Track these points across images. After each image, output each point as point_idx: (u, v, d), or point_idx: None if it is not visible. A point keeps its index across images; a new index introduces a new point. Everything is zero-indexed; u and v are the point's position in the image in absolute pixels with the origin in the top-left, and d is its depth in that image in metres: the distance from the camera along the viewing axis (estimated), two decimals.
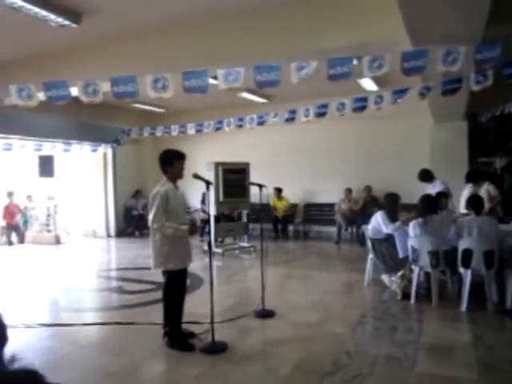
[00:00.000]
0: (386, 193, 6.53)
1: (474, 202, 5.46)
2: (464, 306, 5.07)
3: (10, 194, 11.72)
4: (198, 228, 10.05)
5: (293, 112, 7.99)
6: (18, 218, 11.92)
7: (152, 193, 4.12)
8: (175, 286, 4.21)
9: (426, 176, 7.38)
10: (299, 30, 5.32)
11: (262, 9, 5.43)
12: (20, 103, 4.99)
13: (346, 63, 4.39)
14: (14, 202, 11.76)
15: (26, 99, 4.97)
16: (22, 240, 11.83)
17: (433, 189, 7.06)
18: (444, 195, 6.54)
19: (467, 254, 5.10)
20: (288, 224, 11.36)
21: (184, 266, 4.25)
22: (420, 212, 5.66)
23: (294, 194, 11.43)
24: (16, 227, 11.83)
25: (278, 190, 11.21)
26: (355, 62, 4.55)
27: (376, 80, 8.62)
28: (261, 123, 8.57)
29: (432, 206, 5.72)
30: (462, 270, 5.20)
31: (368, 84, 8.89)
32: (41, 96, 5.03)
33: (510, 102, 7.38)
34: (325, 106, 7.52)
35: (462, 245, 5.17)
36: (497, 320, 4.84)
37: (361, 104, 6.94)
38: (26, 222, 12.18)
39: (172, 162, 4.18)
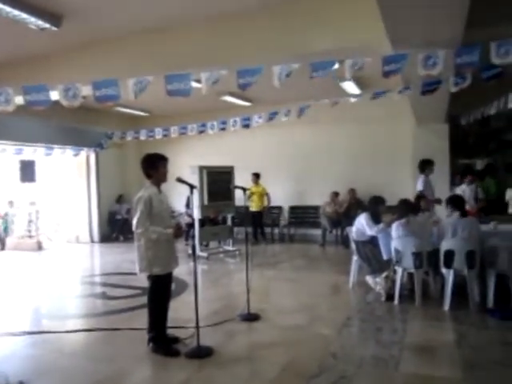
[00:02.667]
0: (372, 196, 6.59)
1: (456, 203, 5.54)
2: (447, 306, 5.14)
3: None
4: (183, 231, 9.98)
5: (275, 113, 8.03)
6: None
7: (135, 197, 4.08)
8: (160, 290, 4.17)
9: (420, 165, 7.24)
10: (282, 34, 5.34)
11: (245, 13, 5.45)
12: (5, 110, 4.90)
13: (328, 66, 4.44)
14: None
15: (4, 104, 4.88)
16: (2, 247, 11.62)
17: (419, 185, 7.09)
18: (423, 198, 6.60)
19: (449, 254, 5.17)
20: (264, 224, 11.12)
21: (169, 270, 4.21)
22: (400, 214, 5.74)
23: (278, 197, 11.44)
24: None
25: (256, 176, 10.85)
26: (337, 65, 4.60)
27: (358, 83, 8.71)
28: (245, 126, 8.57)
29: (411, 207, 5.81)
30: (444, 270, 5.27)
31: (350, 87, 8.97)
32: (19, 100, 4.94)
33: (490, 104, 7.53)
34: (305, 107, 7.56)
35: (445, 246, 5.24)
36: (479, 319, 4.90)
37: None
38: (6, 228, 11.97)
39: (156, 166, 4.14)
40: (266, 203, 10.97)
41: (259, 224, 11.01)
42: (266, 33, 5.42)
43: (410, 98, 7.55)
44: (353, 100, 7.02)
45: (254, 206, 10.73)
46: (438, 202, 7.03)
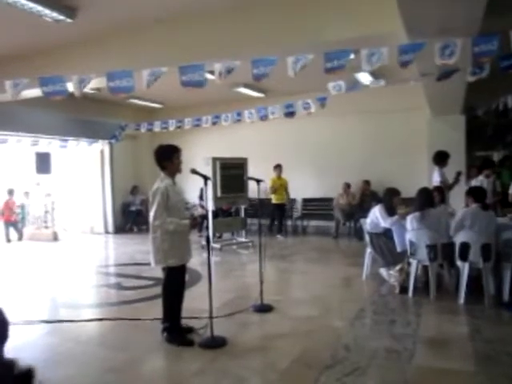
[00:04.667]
0: (386, 187, 6.53)
1: (477, 194, 5.44)
2: (462, 299, 5.09)
3: (10, 192, 11.69)
4: (198, 223, 10.01)
5: (291, 106, 7.94)
6: (17, 215, 11.90)
7: (152, 189, 4.07)
8: (175, 281, 4.20)
9: (436, 158, 7.15)
10: (296, 24, 5.29)
11: (259, 3, 5.41)
12: (13, 98, 4.96)
13: (343, 57, 4.38)
14: (13, 199, 11.73)
15: (15, 94, 4.94)
16: (20, 237, 11.82)
17: (435, 177, 7.04)
18: (439, 189, 6.52)
19: (465, 247, 5.11)
20: (285, 218, 11.05)
21: (184, 261, 4.23)
22: (417, 205, 5.67)
23: (291, 189, 11.41)
24: (14, 224, 11.81)
25: (280, 167, 10.57)
26: (352, 55, 4.54)
27: (373, 74, 8.60)
28: (260, 118, 8.48)
29: (429, 199, 5.72)
30: (459, 263, 5.21)
31: (365, 78, 8.86)
32: (37, 92, 4.99)
33: (508, 95, 7.38)
34: (324, 98, 7.47)
35: (460, 238, 5.18)
36: (494, 313, 4.85)
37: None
38: (23, 219, 12.17)
39: (171, 157, 4.14)
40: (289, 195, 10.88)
41: (282, 216, 10.81)
42: (280, 23, 5.37)
43: (426, 89, 7.44)
44: (367, 83, 6.87)
45: (278, 199, 10.53)
46: (458, 176, 7.04)
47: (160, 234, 4.06)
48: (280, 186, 10.60)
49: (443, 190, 6.63)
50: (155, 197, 3.99)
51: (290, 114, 7.96)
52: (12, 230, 11.76)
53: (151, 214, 4.02)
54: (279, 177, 10.68)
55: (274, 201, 10.62)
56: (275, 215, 10.77)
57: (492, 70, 5.11)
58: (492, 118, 9.85)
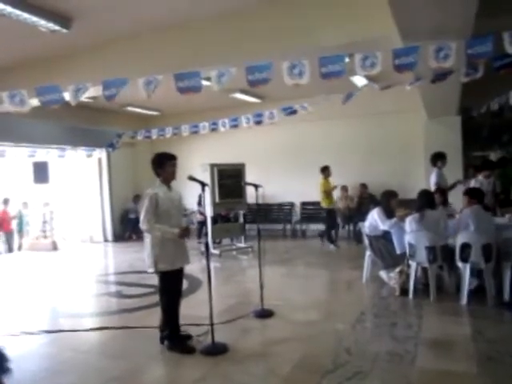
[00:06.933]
0: (384, 190, 6.54)
1: (476, 195, 5.45)
2: (464, 301, 5.08)
3: (5, 201, 11.66)
4: (193, 230, 9.97)
5: (290, 108, 7.93)
6: (14, 225, 11.88)
7: (143, 195, 4.17)
8: (169, 287, 4.19)
9: (433, 159, 7.11)
10: (290, 29, 5.32)
11: (253, 9, 5.44)
12: (12, 109, 4.95)
13: (338, 61, 4.38)
14: (8, 209, 11.69)
15: (19, 105, 4.92)
16: (18, 247, 11.78)
17: (432, 178, 7.05)
18: (441, 191, 6.52)
19: (466, 248, 5.11)
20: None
21: (176, 267, 4.20)
22: (417, 207, 5.68)
23: (290, 193, 11.43)
24: (12, 234, 11.78)
25: (328, 169, 9.39)
26: (347, 59, 4.55)
27: (367, 76, 8.63)
28: (258, 122, 8.45)
29: (429, 201, 5.72)
30: (460, 264, 5.20)
31: (359, 81, 8.90)
32: (34, 102, 4.99)
33: (502, 95, 7.41)
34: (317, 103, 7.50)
35: (461, 239, 5.18)
36: (495, 313, 4.85)
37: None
38: (21, 229, 12.14)
39: (163, 165, 4.20)
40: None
41: (335, 224, 9.90)
42: (274, 29, 5.39)
43: (421, 91, 7.47)
44: (361, 85, 6.86)
45: (330, 203, 9.53)
46: (457, 183, 7.06)
47: (150, 239, 4.12)
48: (332, 189, 9.52)
49: (445, 192, 6.62)
50: (143, 202, 4.09)
51: (291, 114, 7.94)
52: (10, 240, 11.72)
53: (140, 218, 4.10)
54: (327, 179, 9.51)
55: (326, 205, 9.46)
56: (331, 222, 9.67)
57: (486, 70, 5.13)
58: (487, 118, 9.89)
